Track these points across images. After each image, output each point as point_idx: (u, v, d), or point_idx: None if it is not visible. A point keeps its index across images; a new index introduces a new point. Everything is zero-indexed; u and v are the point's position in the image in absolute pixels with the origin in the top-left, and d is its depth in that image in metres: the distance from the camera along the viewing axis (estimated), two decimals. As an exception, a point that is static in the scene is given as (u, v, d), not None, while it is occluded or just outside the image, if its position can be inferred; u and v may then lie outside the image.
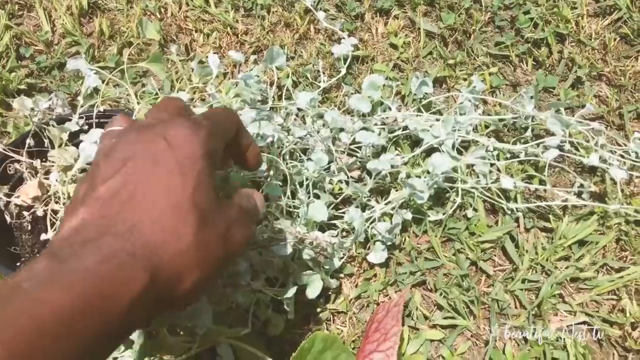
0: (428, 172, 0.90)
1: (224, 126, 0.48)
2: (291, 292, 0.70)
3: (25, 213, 0.67)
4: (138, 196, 0.39)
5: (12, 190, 0.69)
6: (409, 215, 0.88)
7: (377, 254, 0.86)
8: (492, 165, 0.94)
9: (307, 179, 0.83)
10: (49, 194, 0.67)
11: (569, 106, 1.05)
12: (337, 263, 0.84)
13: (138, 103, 0.77)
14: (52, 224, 0.64)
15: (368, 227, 0.86)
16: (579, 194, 0.94)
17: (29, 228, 0.68)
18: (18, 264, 0.67)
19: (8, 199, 0.67)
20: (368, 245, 0.88)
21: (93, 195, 0.40)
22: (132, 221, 0.38)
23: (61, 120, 0.72)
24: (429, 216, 0.91)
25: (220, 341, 0.67)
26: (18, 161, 0.69)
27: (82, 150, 0.64)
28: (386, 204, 0.88)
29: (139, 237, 0.38)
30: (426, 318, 0.85)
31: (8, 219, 0.68)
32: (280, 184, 0.78)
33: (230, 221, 0.44)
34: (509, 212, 0.92)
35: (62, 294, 0.33)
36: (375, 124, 0.97)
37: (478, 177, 0.94)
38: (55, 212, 0.65)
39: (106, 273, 0.35)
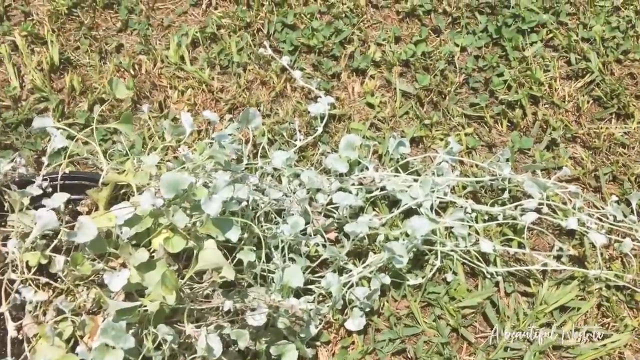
0: (407, 235, 0.88)
1: None
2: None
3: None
4: None
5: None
6: (387, 280, 0.85)
7: (355, 321, 0.83)
8: (470, 227, 0.93)
9: (282, 242, 0.81)
10: (5, 261, 0.62)
11: (544, 167, 1.05)
12: (313, 331, 0.80)
13: (108, 163, 0.74)
14: (8, 295, 0.60)
15: (345, 292, 0.83)
16: (558, 258, 0.92)
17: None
18: None
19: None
20: (345, 311, 0.85)
21: None
22: None
23: (23, 183, 0.68)
24: (407, 280, 0.88)
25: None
26: None
27: (38, 218, 0.61)
28: (364, 267, 0.86)
29: None
30: (407, 389, 0.82)
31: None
32: (254, 248, 0.75)
33: None
34: (489, 276, 0.91)
35: None
36: (353, 184, 0.95)
37: (457, 239, 0.92)
38: (11, 281, 0.61)
39: None
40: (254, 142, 1.01)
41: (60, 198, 0.64)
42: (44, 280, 0.64)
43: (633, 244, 0.91)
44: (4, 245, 0.64)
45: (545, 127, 1.12)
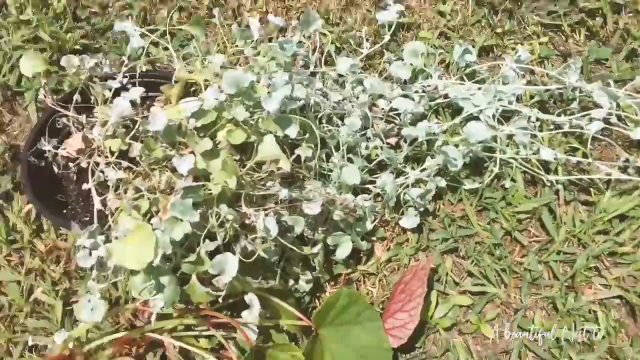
0: (468, 143, 0.89)
1: None
2: (317, 248, 0.72)
3: (71, 164, 0.72)
4: None
5: (60, 143, 0.73)
6: (443, 183, 0.88)
7: (409, 219, 0.87)
8: (534, 137, 0.92)
9: (342, 144, 0.84)
10: (92, 147, 0.70)
11: (619, 79, 1.02)
12: (369, 226, 0.85)
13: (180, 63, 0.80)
14: (93, 174, 0.69)
15: (401, 192, 0.87)
16: (624, 169, 0.91)
17: (74, 179, 0.73)
18: (64, 211, 0.71)
19: (56, 151, 0.71)
20: (401, 211, 0.89)
21: None
22: None
23: (106, 79, 0.75)
24: (464, 185, 0.91)
25: (248, 291, 0.70)
26: (66, 115, 0.73)
27: (114, 106, 0.68)
28: (421, 171, 0.88)
29: None
30: (456, 284, 0.86)
31: (56, 169, 0.72)
32: (313, 146, 0.80)
33: None
34: (549, 184, 0.91)
35: None
36: (416, 92, 0.97)
37: (518, 147, 0.92)
38: (97, 164, 0.69)
39: None
40: (322, 50, 1.04)
41: (136, 91, 0.71)
42: (125, 164, 0.72)
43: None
44: (91, 133, 0.72)
45: (625, 36, 1.07)
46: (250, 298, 0.68)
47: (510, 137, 0.94)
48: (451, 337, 0.83)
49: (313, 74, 0.97)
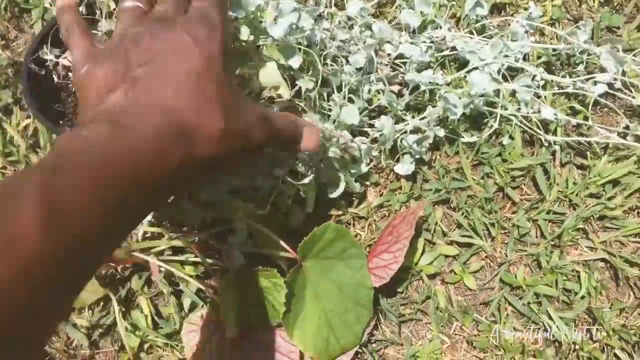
0: (470, 95, 0.89)
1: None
2: (308, 179, 0.73)
3: (71, 74, 0.72)
4: (174, 84, 0.44)
5: (62, 53, 0.73)
6: (441, 132, 0.88)
7: (404, 166, 0.87)
8: (537, 97, 0.92)
9: (344, 83, 0.84)
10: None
11: (630, 48, 1.01)
12: (364, 168, 0.86)
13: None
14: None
15: (398, 137, 0.87)
16: (623, 135, 0.91)
17: (73, 90, 0.73)
18: (61, 122, 0.71)
19: (57, 60, 0.71)
20: (397, 158, 0.89)
21: (132, 75, 0.45)
22: (173, 104, 0.44)
23: (113, -8, 0.74)
24: (462, 137, 0.91)
25: (236, 218, 0.71)
26: None
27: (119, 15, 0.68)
28: (421, 119, 0.88)
29: (178, 118, 0.43)
30: (444, 234, 0.86)
31: (55, 79, 0.72)
32: (314, 79, 0.79)
33: (250, 122, 0.50)
34: (546, 144, 0.91)
35: (130, 153, 0.39)
36: (424, 42, 0.96)
37: (519, 105, 0.92)
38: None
39: (154, 145, 0.41)
40: (333, -8, 1.02)
41: None
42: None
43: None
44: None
45: (640, 5, 1.06)
46: (239, 224, 0.69)
47: (513, 94, 0.94)
48: (434, 285, 0.84)
49: (321, 15, 0.96)
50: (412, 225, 0.76)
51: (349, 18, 0.97)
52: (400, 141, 0.87)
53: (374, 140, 0.88)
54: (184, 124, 0.43)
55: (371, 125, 0.88)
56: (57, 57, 0.71)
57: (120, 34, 0.49)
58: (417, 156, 0.88)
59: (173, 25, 0.48)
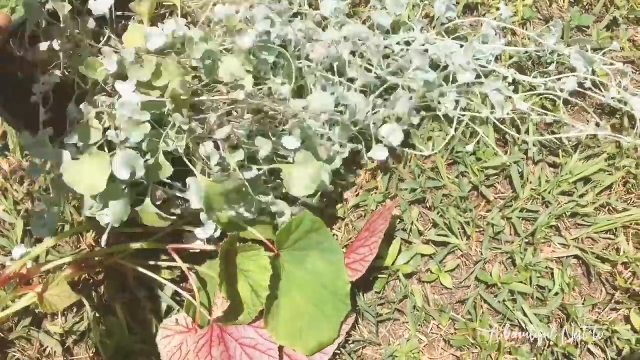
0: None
1: None
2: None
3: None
4: None
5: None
6: (416, 120, 0.88)
7: (379, 151, 0.86)
8: (509, 98, 0.93)
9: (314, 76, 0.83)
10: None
11: (599, 47, 1.02)
12: (338, 162, 0.83)
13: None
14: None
15: (372, 125, 0.86)
16: (594, 136, 0.92)
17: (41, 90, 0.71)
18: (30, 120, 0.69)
19: (21, 55, 0.68)
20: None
21: None
22: None
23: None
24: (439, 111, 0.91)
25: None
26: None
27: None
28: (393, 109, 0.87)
29: None
30: (420, 233, 0.87)
31: (20, 75, 0.71)
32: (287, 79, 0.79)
33: None
34: (520, 143, 0.92)
35: None
36: (398, 43, 0.96)
37: (493, 107, 0.93)
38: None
39: None
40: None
41: (104, 3, 0.69)
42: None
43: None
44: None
45: (609, 5, 1.08)
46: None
47: (483, 95, 0.94)
48: (411, 285, 0.84)
49: (296, 15, 0.96)
50: (387, 219, 0.77)
51: (324, 18, 0.97)
52: (374, 131, 0.86)
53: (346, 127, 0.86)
54: None
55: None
56: (24, 53, 0.70)
57: None
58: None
59: None
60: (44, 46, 0.66)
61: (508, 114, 0.92)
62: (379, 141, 0.87)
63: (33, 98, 0.66)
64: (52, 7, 0.70)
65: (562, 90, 0.91)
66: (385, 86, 0.87)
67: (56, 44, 0.66)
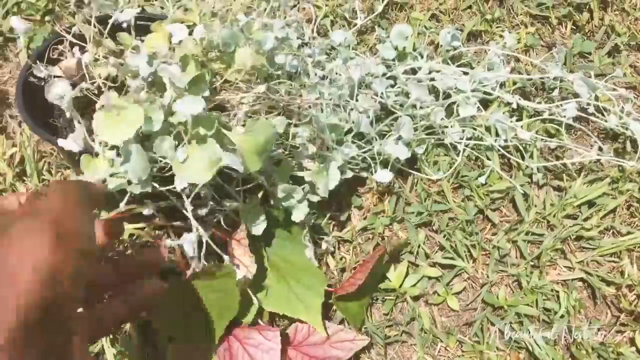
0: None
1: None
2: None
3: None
4: None
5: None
6: (421, 150, 0.90)
7: (383, 174, 0.86)
8: (512, 122, 0.94)
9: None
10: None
11: (601, 73, 1.05)
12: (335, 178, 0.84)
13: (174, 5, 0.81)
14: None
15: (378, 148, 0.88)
16: (597, 161, 0.94)
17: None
18: (54, 136, 0.71)
19: (48, 72, 0.70)
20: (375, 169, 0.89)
21: None
22: None
23: (99, 21, 0.75)
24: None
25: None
26: (62, 42, 0.73)
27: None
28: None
29: None
30: (427, 256, 0.88)
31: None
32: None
33: None
34: (524, 168, 0.94)
35: None
36: (405, 72, 0.98)
37: (498, 133, 0.95)
38: (88, 89, 0.68)
39: None
40: (317, 22, 1.05)
41: (131, 12, 0.71)
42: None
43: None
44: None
45: (610, 32, 1.10)
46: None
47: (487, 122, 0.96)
48: (418, 307, 0.86)
49: (305, 44, 0.99)
50: (365, 274, 0.79)
51: (332, 48, 1.00)
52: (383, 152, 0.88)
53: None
54: None
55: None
56: (50, 74, 0.72)
57: None
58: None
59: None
60: (71, 61, 0.68)
61: (511, 140, 0.94)
62: (384, 165, 0.89)
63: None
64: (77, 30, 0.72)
65: (564, 116, 0.94)
66: (392, 117, 0.90)
67: (85, 57, 0.68)
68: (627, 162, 0.91)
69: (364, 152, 0.87)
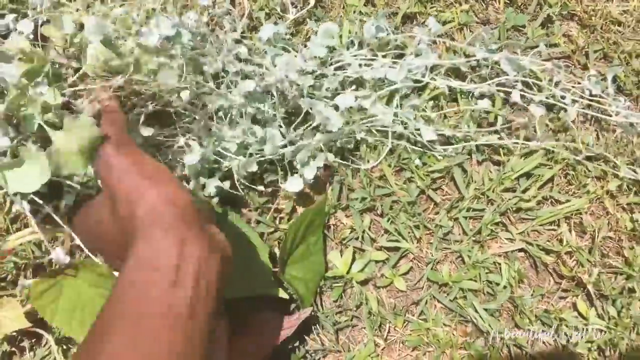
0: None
1: None
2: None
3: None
4: None
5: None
6: (331, 157, 0.89)
7: (292, 182, 0.87)
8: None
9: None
10: None
11: (535, 45, 1.06)
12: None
13: None
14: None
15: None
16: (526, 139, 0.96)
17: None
18: None
19: None
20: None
21: None
22: None
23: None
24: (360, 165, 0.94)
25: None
26: None
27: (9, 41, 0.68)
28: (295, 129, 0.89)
29: None
30: (373, 241, 0.90)
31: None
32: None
33: None
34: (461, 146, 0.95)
35: None
36: (334, 74, 0.97)
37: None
38: None
39: None
40: (251, 16, 1.05)
41: (27, 25, 0.70)
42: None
43: (578, 111, 0.96)
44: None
45: (542, 3, 1.12)
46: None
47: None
48: (366, 291, 0.88)
49: (240, 41, 0.99)
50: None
51: (269, 40, 1.00)
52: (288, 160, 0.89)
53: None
54: None
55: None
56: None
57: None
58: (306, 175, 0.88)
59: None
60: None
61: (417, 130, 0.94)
62: (294, 171, 0.89)
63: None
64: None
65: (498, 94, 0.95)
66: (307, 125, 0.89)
67: None
68: (530, 143, 0.93)
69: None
